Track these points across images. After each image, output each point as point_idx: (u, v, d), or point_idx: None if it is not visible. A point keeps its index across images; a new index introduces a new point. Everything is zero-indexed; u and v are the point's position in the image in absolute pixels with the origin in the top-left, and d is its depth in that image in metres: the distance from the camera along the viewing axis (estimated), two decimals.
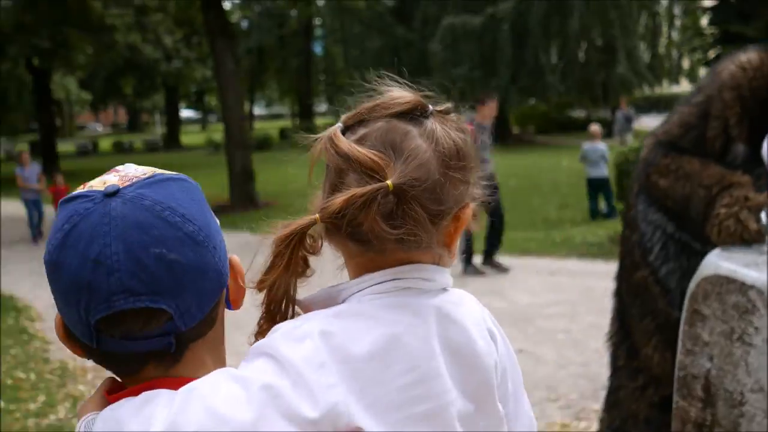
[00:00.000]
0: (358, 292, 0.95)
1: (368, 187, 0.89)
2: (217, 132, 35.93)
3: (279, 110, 71.56)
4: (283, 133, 42.20)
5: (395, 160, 0.91)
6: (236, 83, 15.53)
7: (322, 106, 48.36)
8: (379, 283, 0.94)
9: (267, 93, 58.45)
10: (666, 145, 2.53)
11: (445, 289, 0.99)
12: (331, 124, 1.01)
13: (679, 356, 2.17)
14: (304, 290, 1.02)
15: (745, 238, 2.13)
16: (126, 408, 0.87)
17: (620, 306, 2.77)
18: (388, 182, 0.89)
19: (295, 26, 38.21)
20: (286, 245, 0.94)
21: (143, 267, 0.87)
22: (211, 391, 0.85)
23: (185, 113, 69.34)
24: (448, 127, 0.97)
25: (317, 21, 41.54)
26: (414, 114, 0.96)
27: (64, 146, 47.51)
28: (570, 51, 28.53)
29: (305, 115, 43.01)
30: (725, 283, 1.98)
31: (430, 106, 0.99)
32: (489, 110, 7.61)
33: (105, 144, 48.98)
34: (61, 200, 0.95)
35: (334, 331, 0.90)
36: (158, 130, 59.01)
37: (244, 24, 40.20)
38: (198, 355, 0.95)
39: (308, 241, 0.96)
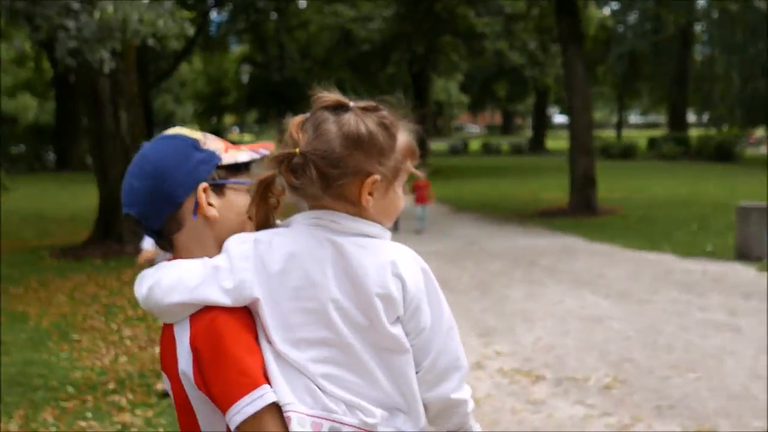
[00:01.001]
0: (294, 222, 1.35)
1: (284, 151, 1.30)
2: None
3: (656, 119, 68.55)
4: (652, 143, 40.36)
5: (310, 136, 1.29)
6: (584, 89, 15.37)
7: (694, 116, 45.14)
8: (305, 218, 1.34)
9: (640, 101, 56.08)
10: None
11: (362, 235, 1.32)
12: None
13: None
14: None
15: None
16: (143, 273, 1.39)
17: None
18: (296, 150, 1.28)
19: (673, 31, 36.11)
20: (258, 188, 1.34)
21: (125, 190, 1.43)
22: (183, 265, 1.34)
23: (559, 118, 69.88)
24: (365, 119, 1.31)
25: (700, 26, 38.74)
26: (336, 108, 1.32)
27: (439, 145, 51.41)
28: None
29: (677, 125, 40.56)
30: None
31: (351, 103, 1.33)
32: None
33: (475, 145, 51.72)
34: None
35: (263, 240, 1.33)
36: (528, 134, 60.39)
37: (621, 28, 39.17)
38: (183, 244, 1.41)
39: (277, 186, 1.34)
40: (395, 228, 12.25)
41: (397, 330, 1.30)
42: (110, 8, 6.68)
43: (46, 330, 6.95)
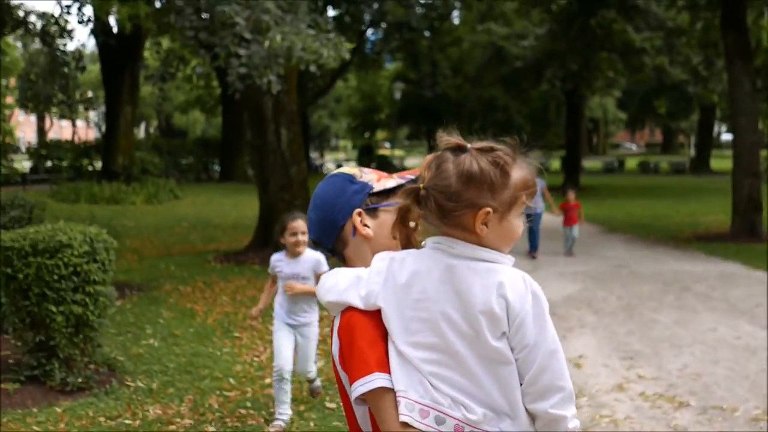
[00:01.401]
0: (424, 246, 1.61)
1: (413, 186, 1.57)
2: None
3: None
4: None
5: (433, 173, 1.54)
6: (751, 107, 14.57)
7: None
8: (431, 242, 1.59)
9: None
10: None
11: (476, 260, 1.53)
12: None
13: None
14: None
15: None
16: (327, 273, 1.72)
17: None
18: (421, 185, 1.54)
19: None
20: (398, 214, 1.60)
21: (308, 220, 1.82)
22: (342, 273, 1.66)
23: (726, 136, 65.88)
24: (479, 159, 1.52)
25: None
26: (456, 149, 1.55)
27: (594, 163, 50.03)
28: None
29: None
30: None
31: (469, 146, 1.55)
32: None
33: (631, 163, 49.84)
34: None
35: (398, 258, 1.60)
36: (691, 152, 57.31)
37: None
38: (349, 258, 1.75)
39: (414, 212, 1.57)
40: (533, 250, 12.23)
41: (501, 344, 1.48)
42: (278, 38, 7.26)
43: (211, 326, 7.58)
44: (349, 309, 1.59)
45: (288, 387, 4.76)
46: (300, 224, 4.75)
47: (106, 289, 5.86)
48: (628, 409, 5.08)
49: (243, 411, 5.05)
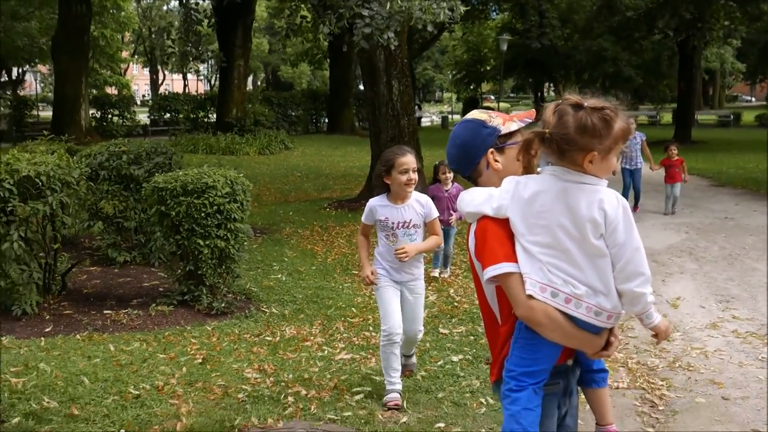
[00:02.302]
0: (544, 171, 2.13)
1: (540, 130, 2.08)
2: None
3: None
4: None
5: (556, 122, 2.05)
6: None
7: None
8: (549, 170, 2.11)
9: None
10: None
11: (582, 183, 2.06)
12: None
13: None
14: None
15: None
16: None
17: None
18: (546, 130, 2.04)
19: None
20: (523, 145, 2.13)
21: (447, 154, 2.41)
22: (477, 191, 2.24)
23: None
24: (592, 116, 2.02)
25: None
26: (576, 106, 2.04)
27: (707, 116, 48.07)
28: None
29: None
30: None
31: (585, 103, 2.03)
32: None
33: (748, 117, 47.59)
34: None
35: (522, 181, 2.14)
36: None
37: None
38: (483, 183, 2.32)
39: (535, 145, 2.11)
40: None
41: (600, 242, 2.05)
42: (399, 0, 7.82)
43: (331, 265, 8.34)
44: (484, 217, 2.18)
45: (399, 351, 4.36)
46: (412, 160, 4.15)
47: (244, 226, 6.66)
48: (719, 344, 5.47)
49: (366, 333, 5.76)
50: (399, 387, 4.31)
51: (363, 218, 4.40)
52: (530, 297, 2.05)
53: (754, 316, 6.19)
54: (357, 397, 4.37)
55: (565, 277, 2.06)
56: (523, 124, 2.31)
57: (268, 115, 29.16)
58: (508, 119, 2.34)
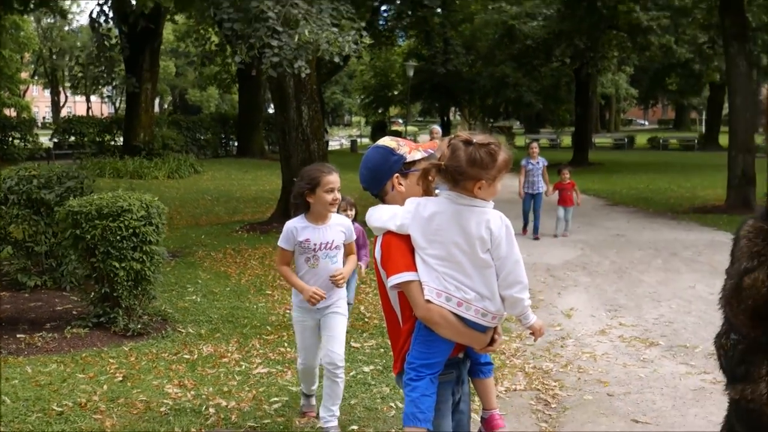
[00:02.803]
0: (441, 194, 2.50)
1: (436, 162, 2.48)
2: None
3: None
4: None
5: (450, 155, 2.43)
6: (747, 87, 15.29)
7: None
8: (445, 194, 2.47)
9: None
10: None
11: (473, 206, 2.43)
12: None
13: None
14: None
15: None
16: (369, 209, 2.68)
17: None
18: (442, 162, 2.43)
19: None
20: (423, 174, 2.52)
21: (360, 174, 2.73)
22: (383, 208, 2.60)
23: None
24: (479, 150, 2.41)
25: None
26: (467, 142, 2.43)
27: (603, 139, 50.56)
28: None
29: None
30: None
31: (474, 139, 2.42)
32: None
33: (642, 139, 50.35)
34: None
35: (422, 202, 2.51)
36: (701, 129, 57.52)
37: None
38: (388, 201, 2.65)
39: (433, 174, 2.47)
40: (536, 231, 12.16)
41: (486, 256, 2.46)
42: (306, 32, 8.18)
43: (245, 286, 8.53)
44: (389, 232, 2.56)
45: (316, 381, 4.34)
46: (337, 179, 3.98)
47: (159, 248, 6.80)
48: (607, 348, 6.01)
49: (282, 349, 6.01)
50: (314, 402, 4.40)
51: (281, 243, 4.10)
52: (428, 301, 2.44)
53: (639, 323, 6.80)
54: (275, 406, 4.63)
55: (457, 285, 2.45)
56: (426, 155, 2.68)
57: (176, 138, 28.91)
58: (414, 148, 2.72)
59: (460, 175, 2.40)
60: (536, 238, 11.85)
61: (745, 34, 15.42)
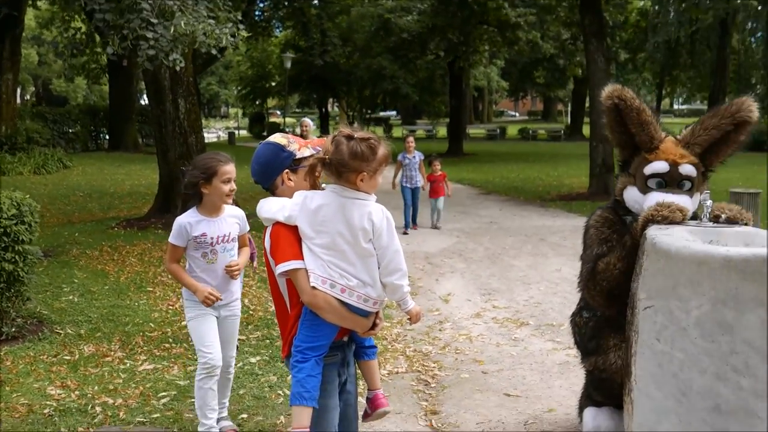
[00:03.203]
0: (327, 188, 2.65)
1: (321, 156, 2.63)
2: None
3: (702, 107, 68.40)
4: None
5: (333, 150, 2.60)
6: (605, 81, 16.33)
7: None
8: (330, 187, 2.64)
9: (685, 88, 55.78)
10: None
11: (356, 198, 2.60)
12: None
13: None
14: None
15: None
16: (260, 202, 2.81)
17: None
18: (326, 156, 2.57)
19: (711, 20, 36.41)
20: (309, 169, 2.66)
21: (251, 168, 2.86)
22: (273, 200, 2.75)
23: None
24: (360, 144, 2.59)
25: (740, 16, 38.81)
26: (348, 137, 2.60)
27: (477, 130, 52.33)
28: None
29: None
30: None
31: (356, 134, 2.59)
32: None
33: (513, 130, 52.51)
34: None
35: (309, 195, 2.67)
36: (567, 120, 60.55)
37: (660, 17, 39.49)
38: (278, 195, 2.81)
39: (319, 168, 2.63)
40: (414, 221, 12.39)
41: (368, 245, 2.64)
42: (183, 23, 8.08)
43: (125, 283, 8.38)
44: (278, 223, 2.70)
45: (216, 386, 3.98)
46: (234, 169, 3.89)
47: (33, 248, 6.60)
48: (482, 330, 6.40)
49: (166, 345, 6.00)
50: (216, 430, 3.99)
51: (173, 240, 3.88)
52: (314, 288, 2.61)
53: (510, 305, 7.25)
54: (163, 401, 4.66)
55: (341, 272, 2.63)
56: (315, 152, 2.84)
57: (42, 131, 27.46)
58: (303, 145, 2.89)
59: (344, 168, 2.58)
60: (414, 228, 12.01)
61: (603, 31, 16.46)
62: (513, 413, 4.52)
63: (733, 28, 41.44)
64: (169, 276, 8.76)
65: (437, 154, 12.82)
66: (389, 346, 5.93)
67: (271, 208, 2.72)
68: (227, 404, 4.26)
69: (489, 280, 8.40)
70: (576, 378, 4.93)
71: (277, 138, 2.89)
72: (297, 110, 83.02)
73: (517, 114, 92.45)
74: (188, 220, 3.86)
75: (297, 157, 2.83)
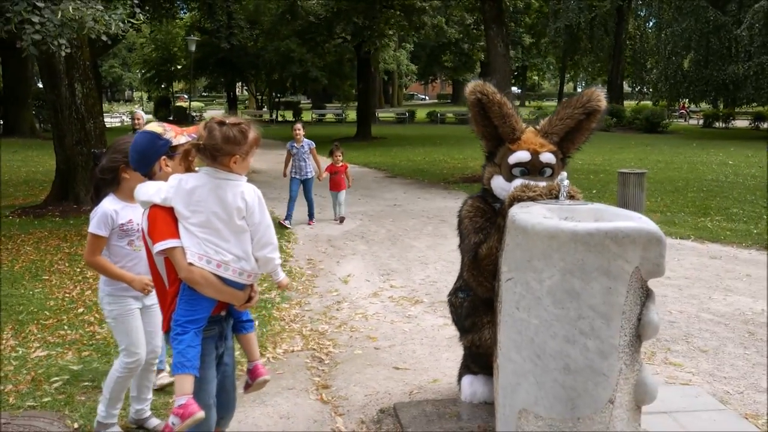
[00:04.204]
0: (201, 171, 2.85)
1: (195, 141, 2.84)
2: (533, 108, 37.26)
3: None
4: None
5: (207, 135, 2.80)
6: (504, 66, 16.88)
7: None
8: (204, 170, 2.84)
9: (588, 73, 57.78)
10: None
11: (229, 179, 2.80)
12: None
13: None
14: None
15: None
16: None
17: None
18: (201, 142, 2.75)
19: (609, 6, 37.88)
20: (184, 155, 2.95)
21: (129, 156, 3.13)
22: (149, 184, 2.90)
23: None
24: (232, 129, 2.79)
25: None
26: (220, 123, 2.78)
27: (386, 113, 52.68)
28: None
29: (613, 97, 42.56)
30: None
31: (227, 121, 2.77)
32: None
33: (421, 114, 53.15)
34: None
35: (184, 178, 2.86)
36: None
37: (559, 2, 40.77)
38: (155, 180, 2.98)
39: (193, 153, 2.87)
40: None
41: (242, 222, 2.83)
42: (70, 8, 7.90)
43: (19, 272, 8.19)
44: (154, 205, 2.83)
45: (152, 376, 4.01)
46: None
47: None
48: (378, 308, 6.63)
49: (62, 332, 5.96)
50: (117, 429, 3.89)
51: (97, 230, 3.68)
52: (190, 264, 2.74)
53: (407, 284, 7.52)
54: (56, 385, 4.68)
55: (216, 249, 2.79)
56: (191, 138, 2.96)
57: None
58: (179, 132, 3.02)
59: (218, 152, 2.74)
60: (309, 224, 11.18)
61: (502, 17, 16.97)
62: (400, 384, 4.77)
63: (629, 15, 43.30)
64: (66, 263, 8.64)
65: (339, 143, 12.06)
66: (286, 326, 6.08)
67: (147, 191, 2.84)
68: (151, 398, 4.13)
69: (388, 261, 8.65)
70: (461, 350, 5.22)
71: (153, 127, 3.03)
72: (204, 94, 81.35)
73: (427, 97, 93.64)
74: (113, 208, 3.67)
75: (173, 144, 2.98)
